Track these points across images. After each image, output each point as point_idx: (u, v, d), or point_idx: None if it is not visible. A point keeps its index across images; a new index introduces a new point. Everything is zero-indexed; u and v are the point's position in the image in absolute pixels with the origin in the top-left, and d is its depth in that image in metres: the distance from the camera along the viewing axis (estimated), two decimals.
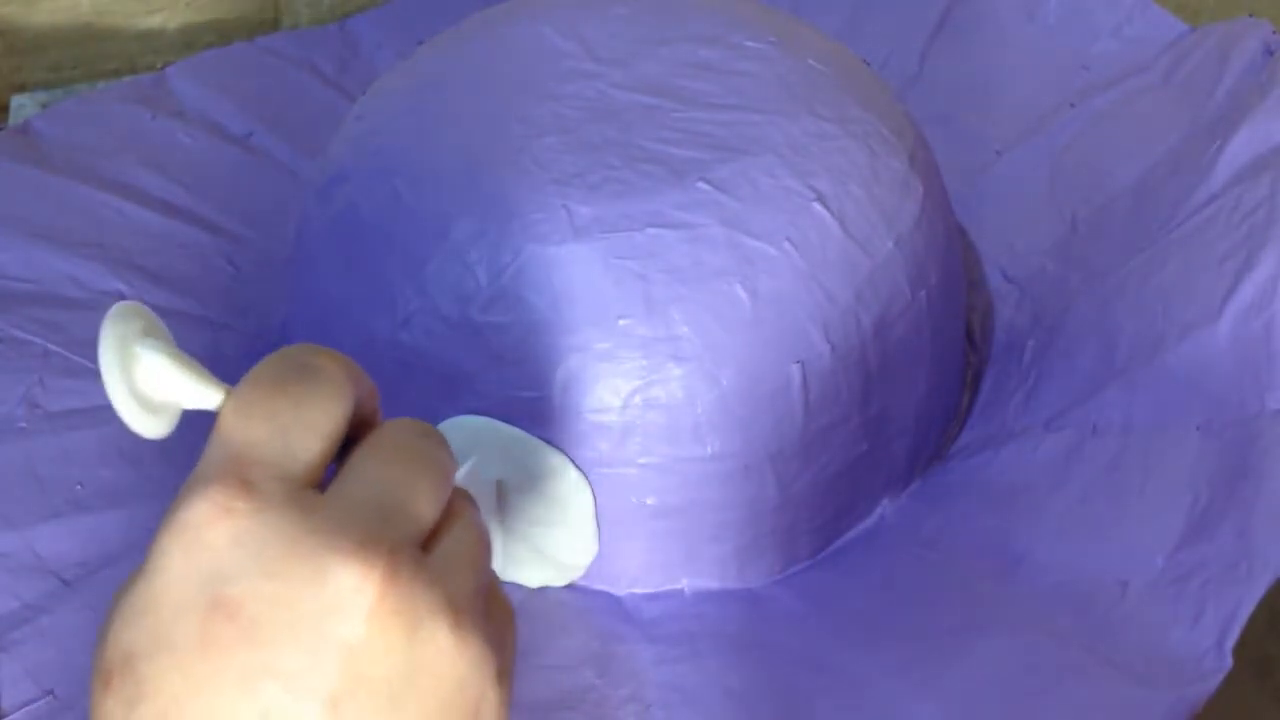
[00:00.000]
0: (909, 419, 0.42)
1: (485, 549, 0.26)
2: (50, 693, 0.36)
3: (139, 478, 0.41)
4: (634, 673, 0.38)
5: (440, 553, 0.25)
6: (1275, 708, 0.43)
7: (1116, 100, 0.50)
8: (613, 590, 0.40)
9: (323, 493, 0.24)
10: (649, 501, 0.39)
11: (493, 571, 0.27)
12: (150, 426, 0.25)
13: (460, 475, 0.36)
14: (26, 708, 0.35)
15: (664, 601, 0.40)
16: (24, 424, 0.42)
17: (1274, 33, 0.46)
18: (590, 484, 0.38)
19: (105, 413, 0.44)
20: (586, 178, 0.39)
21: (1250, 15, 0.48)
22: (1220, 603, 0.33)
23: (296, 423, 0.24)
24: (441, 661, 0.24)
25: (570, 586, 0.40)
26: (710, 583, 0.40)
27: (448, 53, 0.44)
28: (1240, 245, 0.39)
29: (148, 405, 0.25)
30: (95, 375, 0.44)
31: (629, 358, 0.37)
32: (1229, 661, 0.32)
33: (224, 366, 0.47)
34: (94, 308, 0.47)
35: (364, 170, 0.41)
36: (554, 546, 0.39)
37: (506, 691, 0.26)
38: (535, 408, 0.38)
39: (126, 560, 0.39)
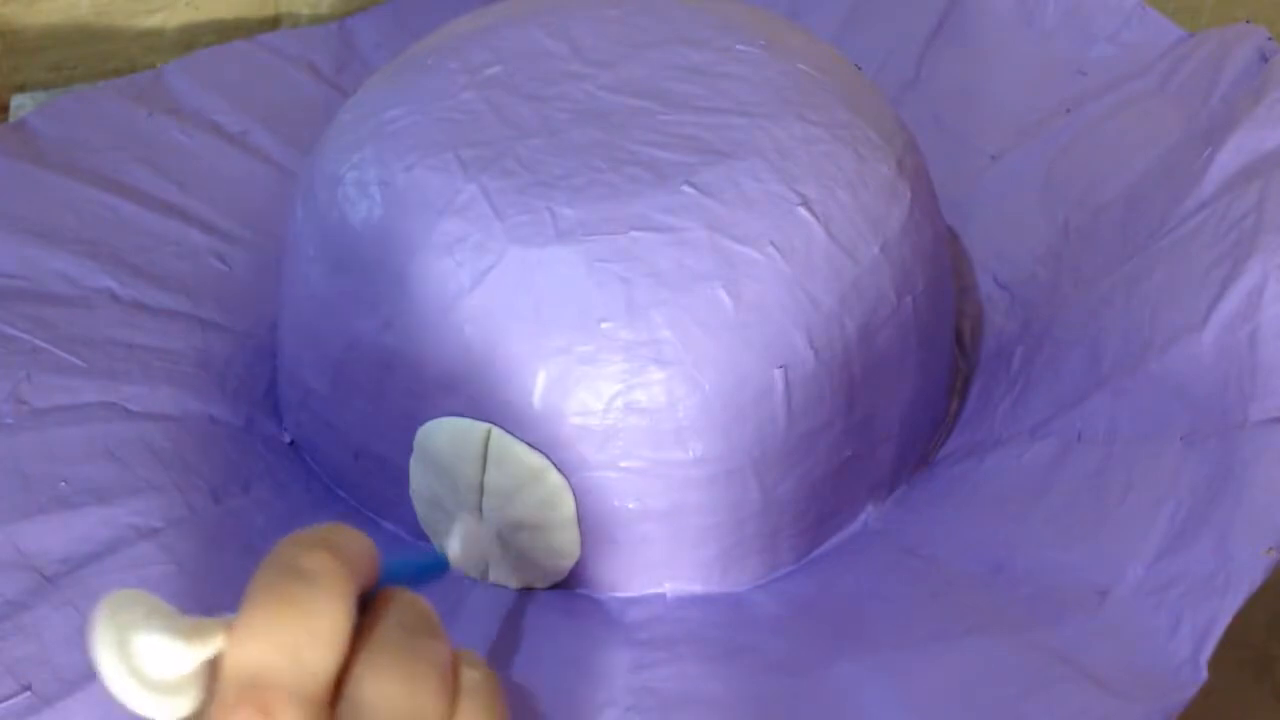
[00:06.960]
0: (894, 425, 0.42)
1: None
2: (28, 688, 0.36)
3: (123, 475, 0.41)
4: (613, 677, 0.37)
5: None
6: (1275, 707, 0.43)
7: (1112, 105, 0.50)
8: (594, 594, 0.40)
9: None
10: (631, 505, 0.38)
11: None
12: (175, 708, 0.23)
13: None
14: (5, 703, 0.35)
15: (646, 605, 0.40)
16: (10, 420, 0.42)
17: (1269, 39, 0.46)
18: (572, 487, 0.38)
19: (91, 410, 0.44)
20: (571, 180, 0.39)
21: (1248, 21, 0.48)
22: (1197, 614, 0.33)
23: (305, 639, 0.23)
24: None
25: (551, 589, 0.40)
26: (692, 587, 0.40)
27: (436, 53, 0.44)
28: (1227, 254, 0.38)
29: (162, 689, 0.23)
30: (83, 372, 0.45)
31: (611, 361, 0.37)
32: (1204, 674, 0.32)
33: (216, 366, 0.47)
34: (85, 305, 0.47)
35: (350, 170, 0.41)
36: (536, 549, 0.39)
37: None
38: (517, 410, 0.38)
39: (109, 557, 0.39)
